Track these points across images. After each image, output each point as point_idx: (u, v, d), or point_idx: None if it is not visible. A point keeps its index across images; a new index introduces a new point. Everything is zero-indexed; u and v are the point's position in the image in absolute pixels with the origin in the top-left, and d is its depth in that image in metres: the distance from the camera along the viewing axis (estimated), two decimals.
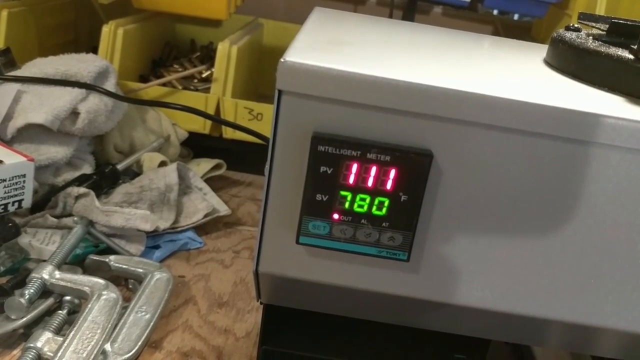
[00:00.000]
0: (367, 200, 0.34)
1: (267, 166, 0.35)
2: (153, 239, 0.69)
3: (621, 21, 0.47)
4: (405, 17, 1.00)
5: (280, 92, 0.34)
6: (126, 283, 0.63)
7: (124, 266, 0.62)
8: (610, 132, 0.33)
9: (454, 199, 0.35)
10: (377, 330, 0.46)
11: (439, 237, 0.36)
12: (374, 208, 0.34)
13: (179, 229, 0.72)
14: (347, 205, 0.34)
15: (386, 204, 0.34)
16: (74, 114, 0.73)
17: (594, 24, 0.51)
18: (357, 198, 0.34)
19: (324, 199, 0.34)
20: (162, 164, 0.78)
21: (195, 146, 0.89)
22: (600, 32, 0.48)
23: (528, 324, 0.39)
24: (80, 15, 1.01)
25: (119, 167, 0.76)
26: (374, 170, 0.34)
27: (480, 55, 0.48)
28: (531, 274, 0.37)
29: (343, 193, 0.34)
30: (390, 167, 0.34)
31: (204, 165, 0.84)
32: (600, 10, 0.74)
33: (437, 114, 0.33)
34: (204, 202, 0.76)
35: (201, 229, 0.75)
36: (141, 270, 0.62)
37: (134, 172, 0.79)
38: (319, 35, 0.42)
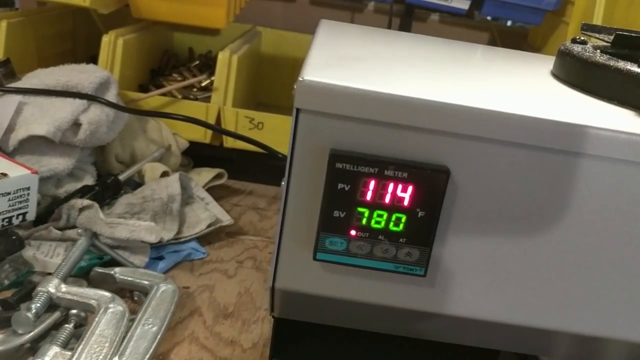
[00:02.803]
0: (384, 216, 0.35)
1: (283, 183, 0.35)
2: (156, 250, 0.69)
3: (625, 33, 0.47)
4: (402, 25, 1.01)
5: (298, 110, 0.34)
6: (131, 295, 0.63)
7: (129, 278, 0.62)
8: (625, 147, 0.34)
9: (470, 214, 0.36)
10: (386, 341, 0.46)
11: (455, 252, 0.36)
12: (391, 224, 0.35)
13: (182, 240, 0.72)
14: (364, 221, 0.35)
15: (403, 220, 0.35)
16: (76, 125, 0.73)
17: (596, 35, 0.51)
18: (375, 214, 0.34)
19: (342, 216, 0.34)
20: (164, 174, 0.78)
21: (196, 155, 0.89)
22: (605, 43, 0.49)
23: (541, 335, 0.39)
24: (78, 24, 1.01)
25: (121, 177, 0.76)
26: (391, 186, 0.34)
27: (490, 68, 0.48)
28: (546, 287, 0.37)
29: (360, 209, 0.34)
30: (408, 184, 0.34)
31: (205, 175, 0.84)
32: (598, 18, 0.75)
33: (453, 131, 0.34)
34: (207, 212, 0.76)
35: (204, 239, 0.75)
36: (146, 282, 0.62)
37: (135, 183, 0.79)
38: (330, 51, 0.43)
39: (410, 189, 0.34)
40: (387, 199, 0.34)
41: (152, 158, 0.80)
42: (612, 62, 0.40)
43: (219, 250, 0.74)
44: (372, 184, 0.34)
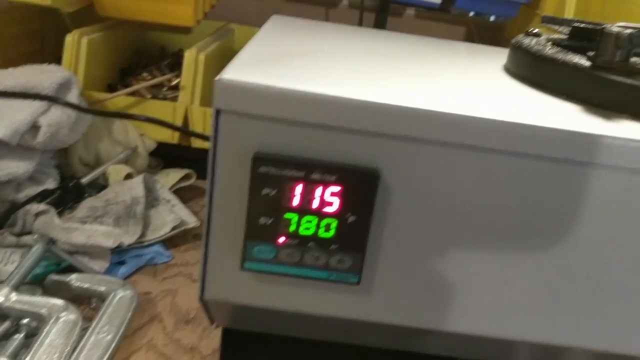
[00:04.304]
0: (314, 222, 0.33)
1: (207, 188, 0.33)
2: (119, 255, 0.68)
3: (582, 25, 0.45)
4: (377, 20, 0.99)
5: (218, 111, 0.32)
6: (90, 302, 0.61)
7: (86, 285, 0.60)
8: (563, 145, 0.32)
9: (405, 217, 0.34)
10: (338, 350, 0.44)
11: (390, 258, 0.34)
12: (321, 230, 0.33)
13: (146, 243, 0.70)
14: (292, 228, 0.33)
15: (333, 225, 0.33)
16: (35, 127, 0.71)
17: (556, 27, 0.49)
18: (303, 220, 0.33)
19: (269, 223, 0.33)
20: (129, 176, 0.77)
21: (165, 156, 0.88)
22: (563, 36, 0.47)
23: (486, 343, 0.38)
24: (47, 24, 0.99)
25: (84, 180, 0.74)
26: (319, 190, 0.32)
27: (439, 64, 0.46)
28: (486, 294, 0.35)
29: (288, 215, 0.33)
30: (337, 187, 0.32)
31: (173, 176, 0.82)
32: (570, 11, 0.73)
33: (383, 131, 0.32)
34: (172, 215, 0.74)
35: (170, 241, 0.73)
36: (103, 289, 0.60)
37: (100, 185, 0.77)
38: (269, 47, 0.41)
39: (339, 192, 0.32)
40: (316, 204, 0.32)
41: (117, 160, 0.78)
42: (560, 55, 0.38)
43: (185, 254, 0.72)
44: (299, 188, 0.32)
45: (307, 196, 0.32)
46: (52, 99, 0.72)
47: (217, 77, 0.31)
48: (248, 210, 0.33)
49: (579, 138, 0.32)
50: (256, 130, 0.32)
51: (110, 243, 0.63)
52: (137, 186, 0.72)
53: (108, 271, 0.65)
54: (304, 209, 0.33)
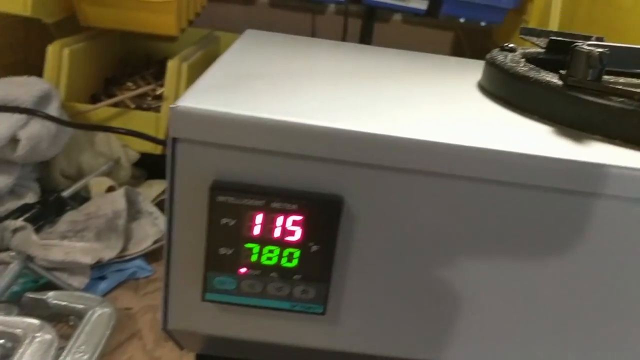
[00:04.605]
0: (276, 251, 0.32)
1: (166, 218, 0.33)
2: (99, 270, 0.67)
3: (559, 38, 0.45)
4: (364, 26, 0.98)
5: (175, 140, 0.31)
6: (68, 319, 0.60)
7: (63, 303, 0.59)
8: (531, 171, 0.31)
9: (371, 245, 0.33)
10: None
11: (357, 286, 0.34)
12: (284, 260, 0.32)
13: (127, 258, 0.69)
14: (254, 258, 0.32)
15: (296, 254, 0.32)
16: (14, 140, 0.70)
17: (534, 40, 0.48)
18: (265, 250, 0.32)
19: (229, 253, 0.32)
20: (111, 188, 0.76)
21: (149, 167, 0.87)
22: (540, 49, 0.46)
23: None
24: (31, 34, 0.98)
25: (65, 193, 0.74)
26: (280, 219, 0.31)
27: (410, 83, 0.45)
28: (455, 320, 0.34)
29: (249, 245, 0.32)
30: (298, 216, 0.31)
31: (156, 187, 0.81)
32: (555, 17, 0.72)
33: (345, 159, 0.31)
34: (154, 228, 0.73)
35: (152, 255, 0.72)
36: (82, 306, 0.59)
37: (82, 197, 0.77)
38: (235, 68, 0.40)
39: (301, 221, 0.31)
40: (278, 233, 0.31)
41: (99, 172, 0.78)
42: (532, 73, 0.37)
43: None
44: (259, 217, 0.31)
45: (268, 225, 0.31)
46: (31, 112, 0.71)
47: (173, 105, 0.31)
48: (207, 241, 0.32)
49: (547, 163, 0.31)
50: (214, 158, 0.31)
51: (88, 260, 0.62)
52: (118, 199, 0.72)
53: (89, 286, 0.64)
54: (265, 239, 0.32)
